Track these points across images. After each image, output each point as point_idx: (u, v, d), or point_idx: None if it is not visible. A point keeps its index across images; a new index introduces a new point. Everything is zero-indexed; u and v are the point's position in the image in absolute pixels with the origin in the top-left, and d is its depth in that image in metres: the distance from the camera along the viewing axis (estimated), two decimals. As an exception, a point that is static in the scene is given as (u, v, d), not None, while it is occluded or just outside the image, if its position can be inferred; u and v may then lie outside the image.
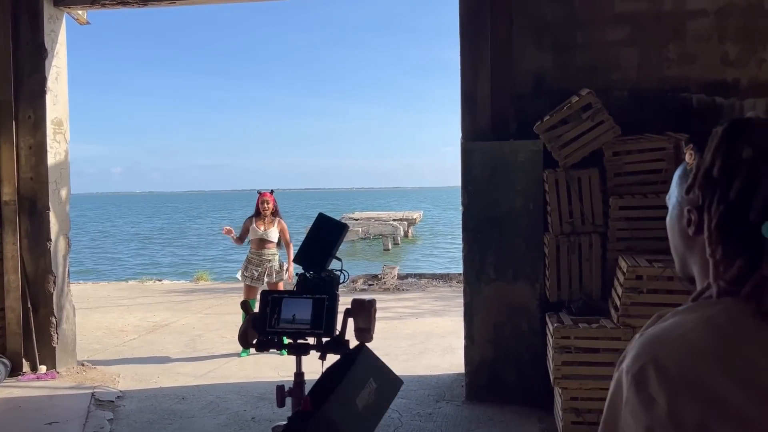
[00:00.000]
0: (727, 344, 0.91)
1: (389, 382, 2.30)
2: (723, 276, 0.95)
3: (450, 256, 23.10)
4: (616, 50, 5.38)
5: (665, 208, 1.10)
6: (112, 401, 5.67)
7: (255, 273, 7.17)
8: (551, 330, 4.59)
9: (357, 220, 29.63)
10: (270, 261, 7.23)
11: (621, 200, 4.89)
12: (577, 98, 5.03)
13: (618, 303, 4.43)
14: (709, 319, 0.93)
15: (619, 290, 4.44)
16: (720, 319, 0.93)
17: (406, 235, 30.29)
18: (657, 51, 5.34)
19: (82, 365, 6.70)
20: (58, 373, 6.37)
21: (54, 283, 6.43)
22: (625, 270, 4.38)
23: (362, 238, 27.76)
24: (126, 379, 6.33)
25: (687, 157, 1.03)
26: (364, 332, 2.31)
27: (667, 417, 0.88)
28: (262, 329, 2.30)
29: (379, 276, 12.40)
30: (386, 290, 11.45)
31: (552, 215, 5.08)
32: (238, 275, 7.39)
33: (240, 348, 6.89)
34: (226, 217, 48.31)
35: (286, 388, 2.30)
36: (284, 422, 2.22)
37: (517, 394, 5.28)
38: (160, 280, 14.41)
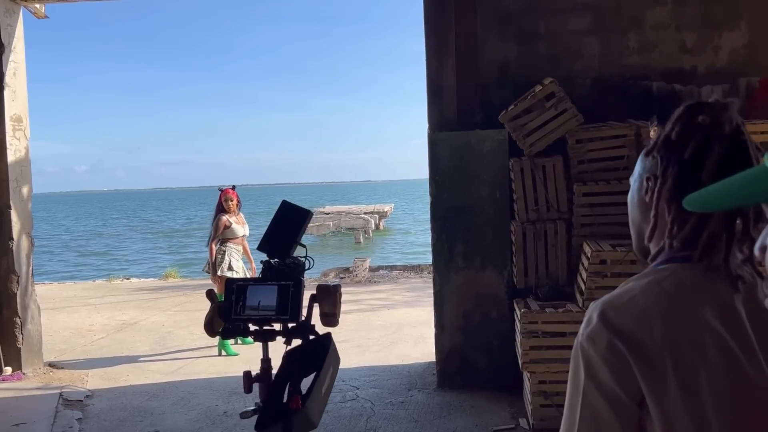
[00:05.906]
0: (672, 306, 0.97)
1: (337, 365, 2.38)
2: (676, 235, 1.01)
3: (421, 247, 23.19)
4: (578, 39, 5.46)
5: (628, 193, 1.17)
6: (81, 401, 5.59)
7: (237, 265, 7.10)
8: (519, 315, 4.66)
9: (328, 214, 29.57)
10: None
11: (585, 187, 4.97)
12: (541, 87, 5.10)
13: (583, 287, 4.51)
14: (658, 283, 1.00)
15: (584, 275, 4.53)
16: (668, 283, 0.99)
17: (377, 227, 30.33)
18: (618, 40, 5.44)
19: (49, 366, 6.59)
20: (24, 374, 6.25)
21: (17, 282, 6.30)
22: (589, 255, 4.47)
23: (334, 232, 27.71)
24: (95, 379, 6.24)
25: (651, 133, 1.11)
26: (330, 317, 2.33)
27: (608, 370, 0.95)
28: (227, 317, 2.31)
29: (351, 269, 12.42)
30: (358, 283, 11.48)
31: (518, 203, 5.15)
32: (218, 272, 6.91)
33: (211, 341, 6.79)
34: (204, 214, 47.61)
35: (253, 374, 2.31)
36: (252, 408, 2.24)
37: (488, 380, 5.35)
38: (128, 279, 14.20)
